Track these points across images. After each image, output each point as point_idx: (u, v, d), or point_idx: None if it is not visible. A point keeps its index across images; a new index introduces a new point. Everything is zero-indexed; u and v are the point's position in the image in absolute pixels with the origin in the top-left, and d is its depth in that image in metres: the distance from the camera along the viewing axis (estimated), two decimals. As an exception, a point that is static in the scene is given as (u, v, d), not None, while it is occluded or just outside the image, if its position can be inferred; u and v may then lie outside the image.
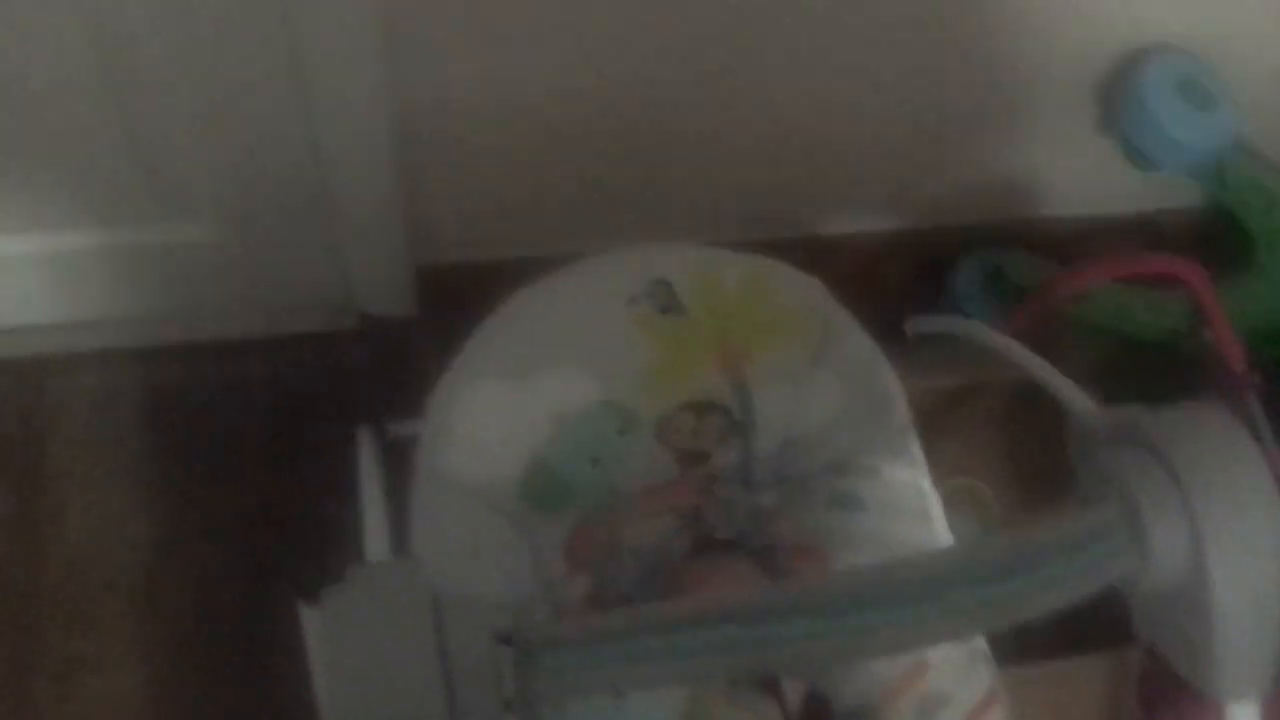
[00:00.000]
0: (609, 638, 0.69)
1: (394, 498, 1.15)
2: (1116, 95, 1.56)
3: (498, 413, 1.10)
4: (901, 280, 1.83)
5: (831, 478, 1.18)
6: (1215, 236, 1.71)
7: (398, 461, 1.16)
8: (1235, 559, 0.72)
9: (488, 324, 1.13)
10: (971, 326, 1.36)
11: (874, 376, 1.19)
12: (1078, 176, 1.75)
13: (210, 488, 1.62)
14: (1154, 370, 1.65)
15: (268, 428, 1.65)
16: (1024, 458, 1.59)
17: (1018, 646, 1.31)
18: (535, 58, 1.38)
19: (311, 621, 1.05)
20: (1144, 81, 1.51)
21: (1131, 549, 0.73)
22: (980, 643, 1.13)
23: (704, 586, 1.14)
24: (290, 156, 1.42)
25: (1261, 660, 0.75)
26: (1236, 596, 0.72)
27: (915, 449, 1.19)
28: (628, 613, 0.70)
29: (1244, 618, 0.73)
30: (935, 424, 1.54)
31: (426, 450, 1.10)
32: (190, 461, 1.64)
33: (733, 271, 1.17)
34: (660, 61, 1.43)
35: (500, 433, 1.10)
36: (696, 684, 1.09)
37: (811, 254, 1.69)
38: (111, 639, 1.54)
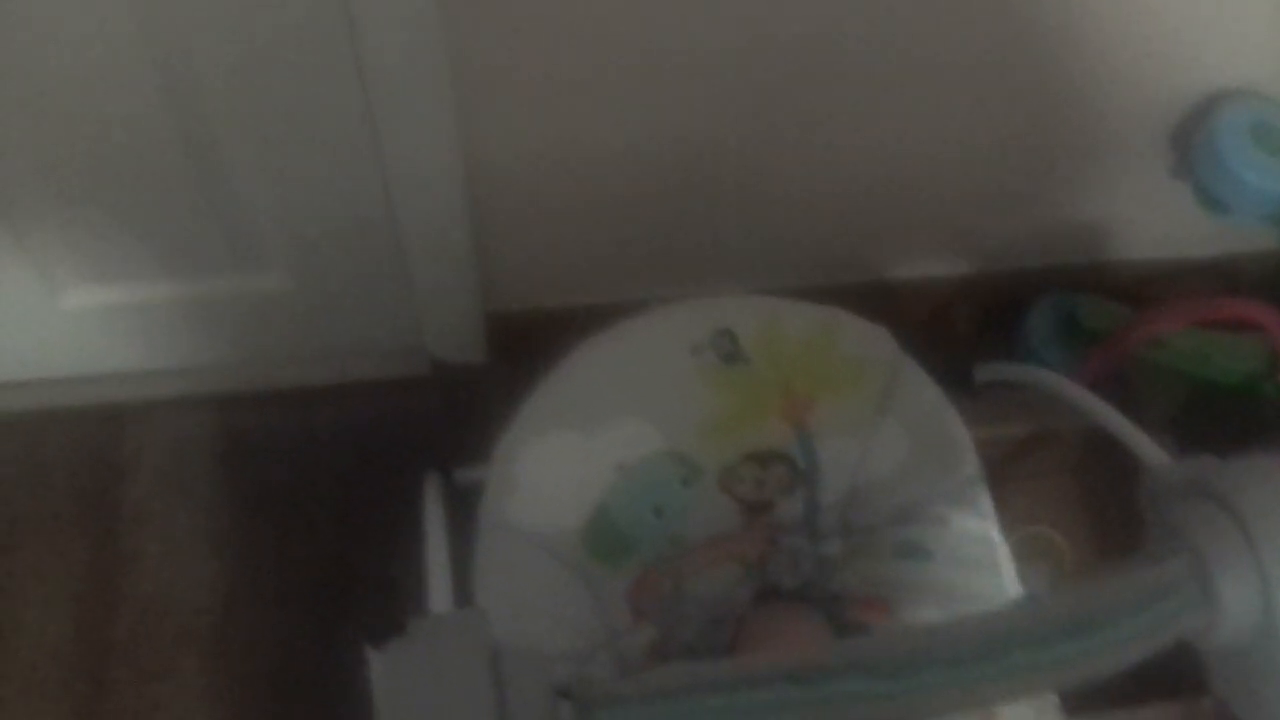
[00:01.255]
0: (667, 696, 0.68)
1: (461, 545, 1.15)
2: (1189, 141, 1.54)
3: (561, 463, 1.11)
4: (972, 325, 1.81)
5: (898, 528, 1.17)
6: (1292, 280, 1.68)
7: (465, 508, 1.16)
8: (1307, 616, 0.70)
9: (552, 375, 1.13)
10: (1042, 375, 1.35)
11: (941, 425, 1.18)
12: (1152, 220, 1.73)
13: (283, 534, 1.64)
14: (1231, 414, 1.62)
15: (340, 474, 1.67)
16: (1098, 505, 1.57)
17: (1088, 695, 1.29)
18: (603, 111, 1.39)
19: (377, 668, 1.05)
20: (1217, 127, 1.49)
21: (1200, 604, 0.72)
22: (1049, 693, 1.12)
23: (768, 637, 1.14)
24: (364, 207, 1.44)
25: (1332, 718, 0.73)
26: (1308, 653, 0.70)
27: (984, 498, 1.18)
28: (686, 670, 0.69)
29: (1315, 675, 0.71)
30: (1006, 472, 1.52)
31: (491, 501, 1.11)
32: (263, 508, 1.66)
33: (797, 321, 1.17)
34: (727, 111, 1.43)
35: (564, 483, 1.11)
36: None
37: (881, 299, 1.70)
38: (183, 687, 1.55)
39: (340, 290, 1.57)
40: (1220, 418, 1.62)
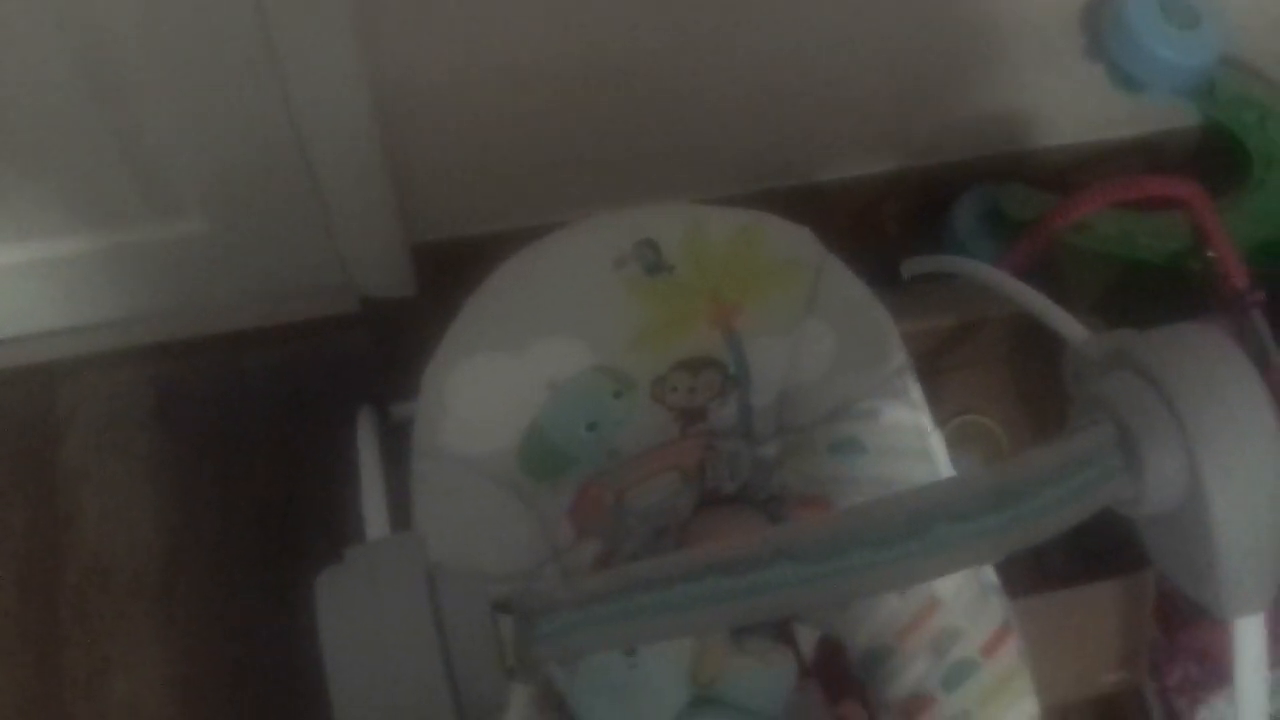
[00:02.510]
0: (602, 598, 0.69)
1: (399, 480, 1.15)
2: (1100, 18, 1.54)
3: (491, 385, 1.10)
4: (900, 222, 1.82)
5: (831, 425, 1.18)
6: (1213, 155, 1.69)
7: (402, 443, 1.16)
8: (1232, 477, 0.71)
9: (475, 298, 1.13)
10: (965, 264, 1.35)
11: (867, 321, 1.18)
12: (1070, 104, 1.73)
13: (222, 480, 1.63)
14: (1159, 293, 1.63)
15: (275, 416, 1.66)
16: (1031, 390, 1.58)
17: (1033, 576, 1.31)
18: (510, 23, 1.37)
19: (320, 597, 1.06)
20: (1126, 3, 1.49)
21: (1125, 472, 0.73)
22: (991, 576, 1.13)
23: (711, 542, 1.14)
24: (274, 143, 1.42)
25: (1264, 575, 0.74)
26: (1235, 514, 0.71)
27: (914, 389, 1.18)
28: (620, 572, 0.70)
29: (1244, 535, 0.72)
30: (938, 364, 1.54)
31: (422, 428, 1.10)
32: (201, 455, 1.65)
33: (719, 227, 1.16)
34: (639, 18, 1.42)
35: (495, 405, 1.10)
36: (697, 635, 1.09)
37: (808, 202, 1.70)
38: (135, 640, 1.55)
39: (258, 230, 1.55)
40: (1149, 297, 1.63)
